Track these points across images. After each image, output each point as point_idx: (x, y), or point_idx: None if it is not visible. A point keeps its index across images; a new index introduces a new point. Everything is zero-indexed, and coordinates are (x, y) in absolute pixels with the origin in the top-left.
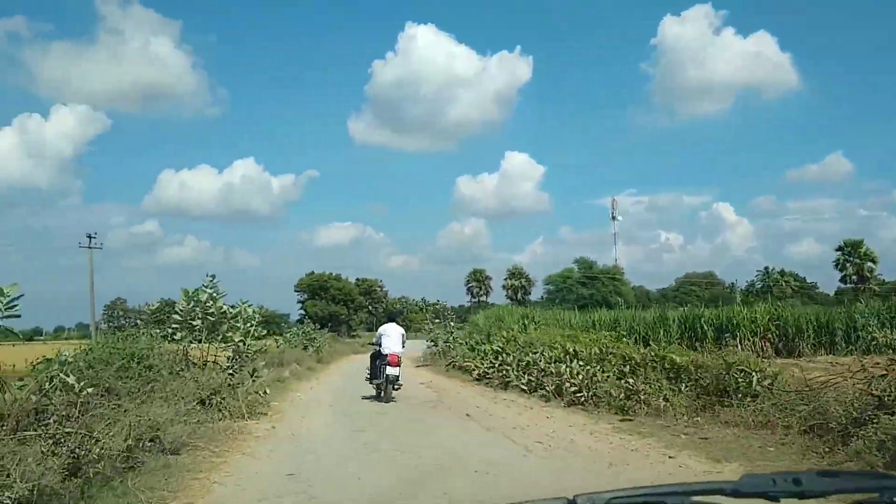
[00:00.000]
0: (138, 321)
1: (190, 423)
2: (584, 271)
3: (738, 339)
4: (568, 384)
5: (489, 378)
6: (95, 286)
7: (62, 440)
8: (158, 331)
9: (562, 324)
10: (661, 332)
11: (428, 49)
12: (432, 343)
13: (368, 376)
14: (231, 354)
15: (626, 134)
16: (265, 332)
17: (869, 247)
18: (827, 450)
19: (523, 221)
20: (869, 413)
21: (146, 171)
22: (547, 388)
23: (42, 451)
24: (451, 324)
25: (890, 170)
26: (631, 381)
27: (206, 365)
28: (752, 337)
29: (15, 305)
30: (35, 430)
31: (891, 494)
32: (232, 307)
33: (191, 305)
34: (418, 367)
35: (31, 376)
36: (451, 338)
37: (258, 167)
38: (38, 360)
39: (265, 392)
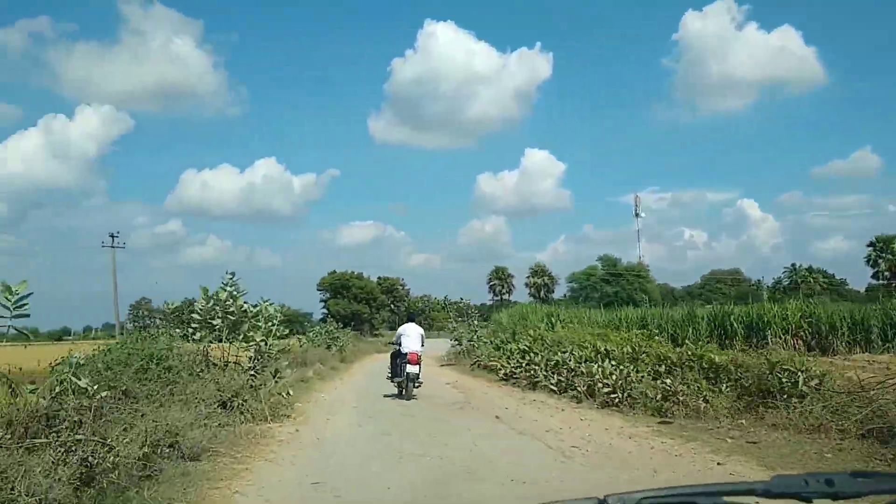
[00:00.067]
0: (157, 321)
1: (210, 427)
2: (608, 269)
3: (769, 337)
4: (601, 385)
5: (516, 378)
6: (122, 286)
7: (74, 448)
8: (179, 330)
9: (589, 322)
10: (690, 331)
11: (447, 46)
12: (456, 342)
13: (390, 375)
14: (253, 354)
15: (648, 130)
16: (287, 331)
17: None
18: (892, 456)
19: (544, 219)
20: None
21: (169, 171)
22: (578, 389)
23: (52, 461)
24: (475, 322)
25: None
26: (668, 381)
27: (227, 366)
28: (783, 335)
29: (24, 304)
30: (45, 438)
31: None
32: (253, 306)
33: (210, 304)
34: (442, 366)
35: (48, 377)
36: (475, 336)
37: (279, 167)
38: (57, 362)
39: (288, 393)
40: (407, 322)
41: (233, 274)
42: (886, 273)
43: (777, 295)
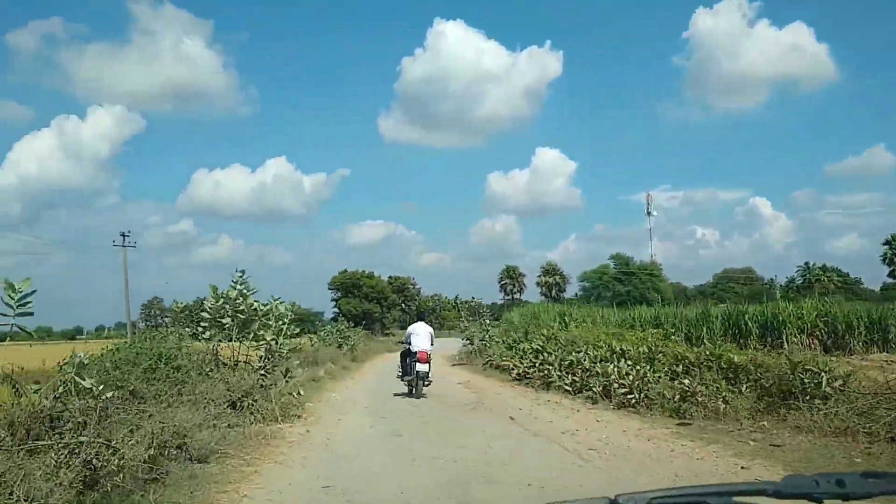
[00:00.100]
0: (165, 319)
1: (219, 428)
2: (620, 267)
3: (784, 337)
4: (617, 385)
5: (529, 378)
6: (135, 285)
7: (77, 450)
8: (188, 329)
9: (603, 321)
10: (705, 330)
11: (457, 45)
12: (467, 341)
13: (400, 374)
14: (263, 354)
15: (660, 128)
16: (298, 330)
17: None
18: None
19: (555, 218)
20: None
21: (180, 171)
22: (594, 390)
23: (54, 463)
24: (487, 321)
25: None
26: (686, 381)
27: (237, 365)
28: (799, 334)
29: (28, 302)
30: (48, 440)
31: None
32: (263, 304)
33: (220, 303)
34: (454, 365)
35: (52, 377)
36: (487, 336)
37: (290, 166)
38: (65, 361)
39: (299, 393)
40: (417, 321)
41: (243, 272)
42: None
43: (790, 294)
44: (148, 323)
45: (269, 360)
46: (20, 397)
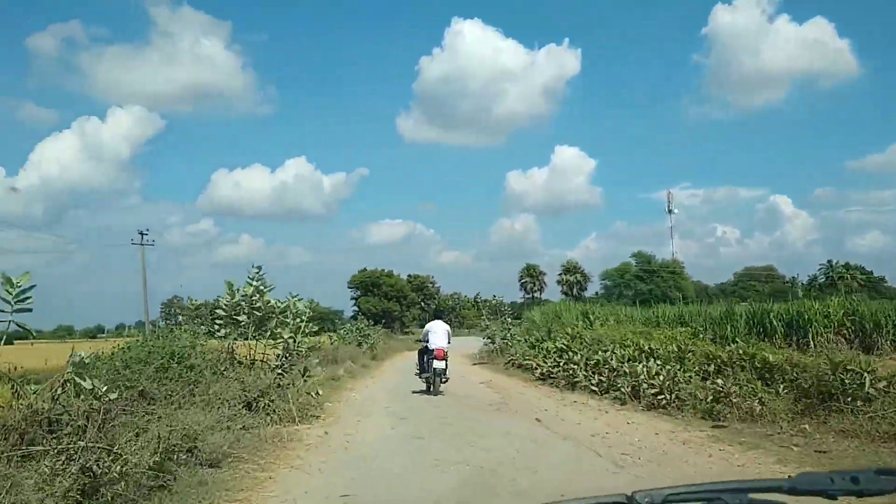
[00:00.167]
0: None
1: (233, 430)
2: (642, 265)
3: (810, 336)
4: (646, 385)
5: (553, 378)
6: (156, 284)
7: (75, 456)
8: (203, 327)
9: (629, 320)
10: (729, 328)
11: (475, 44)
12: (489, 340)
13: (418, 371)
14: (281, 352)
15: (679, 126)
16: (317, 328)
17: None
18: None
19: (575, 216)
20: None
21: (200, 171)
22: (622, 390)
23: (49, 471)
24: (509, 320)
25: None
26: (720, 381)
27: (253, 364)
28: (825, 332)
29: (27, 298)
30: (44, 445)
31: None
32: (280, 301)
33: (235, 299)
34: (475, 364)
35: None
36: (508, 335)
37: (310, 166)
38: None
39: (317, 393)
40: (434, 319)
41: (259, 268)
42: None
43: (812, 292)
44: (168, 322)
45: (286, 358)
46: (19, 399)
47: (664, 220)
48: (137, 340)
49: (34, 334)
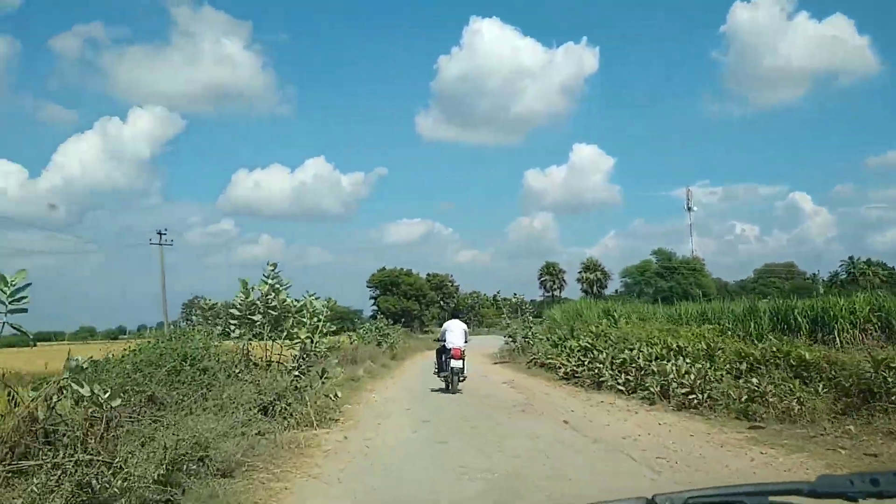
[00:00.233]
0: (192, 318)
1: (248, 437)
2: (662, 263)
3: (835, 332)
4: (675, 384)
5: (578, 377)
6: (176, 285)
7: (70, 470)
8: (218, 327)
9: (652, 317)
10: (752, 325)
11: (493, 43)
12: (510, 338)
13: (436, 370)
14: (298, 353)
15: (698, 123)
16: (335, 328)
17: None
18: None
19: (593, 214)
20: None
21: (221, 171)
22: (651, 389)
23: (40, 488)
24: (530, 318)
25: None
26: (755, 380)
27: (269, 365)
28: (851, 329)
29: (23, 297)
30: (37, 458)
31: None
32: (296, 300)
33: (250, 298)
34: (496, 363)
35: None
36: (530, 333)
37: (329, 166)
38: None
39: (336, 395)
40: (451, 318)
41: (274, 265)
42: None
43: (834, 289)
44: (188, 322)
45: (303, 359)
46: (16, 407)
47: (683, 218)
48: (149, 342)
49: (30, 336)
